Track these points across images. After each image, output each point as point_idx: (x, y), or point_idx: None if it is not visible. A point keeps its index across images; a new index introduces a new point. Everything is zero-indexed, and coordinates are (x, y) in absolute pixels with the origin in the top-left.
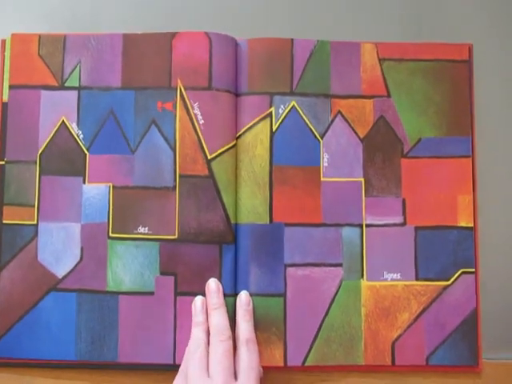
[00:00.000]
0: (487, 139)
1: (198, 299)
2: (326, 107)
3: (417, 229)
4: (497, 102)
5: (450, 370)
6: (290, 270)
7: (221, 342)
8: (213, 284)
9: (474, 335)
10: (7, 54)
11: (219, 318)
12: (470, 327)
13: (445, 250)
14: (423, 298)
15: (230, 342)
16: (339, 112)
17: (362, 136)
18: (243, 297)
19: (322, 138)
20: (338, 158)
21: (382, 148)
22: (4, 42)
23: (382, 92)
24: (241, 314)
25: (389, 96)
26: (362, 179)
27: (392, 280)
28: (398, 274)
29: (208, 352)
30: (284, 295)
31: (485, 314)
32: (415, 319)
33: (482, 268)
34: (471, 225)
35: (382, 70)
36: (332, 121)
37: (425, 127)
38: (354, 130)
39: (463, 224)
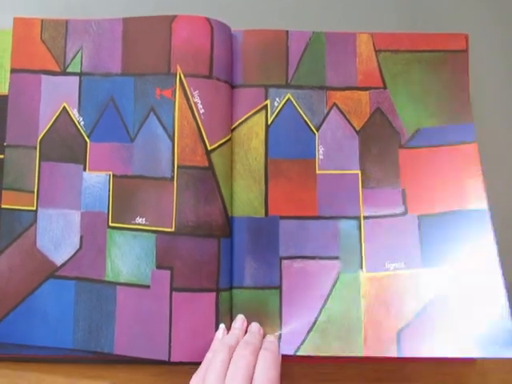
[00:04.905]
0: (485, 127)
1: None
2: (322, 99)
3: (420, 217)
4: (492, 92)
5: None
6: (285, 262)
7: (243, 356)
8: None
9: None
10: (7, 40)
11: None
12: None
13: (455, 235)
14: (434, 285)
15: (254, 358)
16: (335, 104)
17: (358, 128)
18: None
19: (317, 131)
20: (334, 151)
21: (379, 140)
22: None
23: (378, 84)
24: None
25: (385, 88)
26: (359, 171)
27: (395, 269)
28: (402, 263)
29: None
30: (280, 288)
31: None
32: (425, 307)
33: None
34: (484, 207)
35: (378, 61)
36: (327, 113)
37: (423, 117)
38: (349, 122)
39: (474, 207)
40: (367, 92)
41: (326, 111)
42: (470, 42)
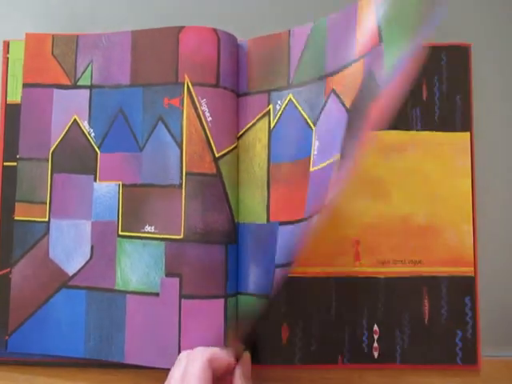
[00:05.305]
0: (485, 135)
1: None
2: (320, 90)
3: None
4: (493, 104)
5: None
6: (277, 271)
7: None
8: None
9: None
10: (12, 55)
11: None
12: None
13: None
14: None
15: None
16: (332, 90)
17: (348, 106)
18: None
19: (315, 126)
20: (326, 143)
21: (362, 106)
22: (7, 43)
23: (374, 42)
24: None
25: (380, 41)
26: (339, 155)
27: None
28: None
29: None
30: (267, 297)
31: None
32: None
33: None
34: None
35: (376, 16)
36: (325, 103)
37: (403, 48)
38: (342, 103)
39: None
40: (362, 60)
41: (323, 102)
42: (471, 50)
